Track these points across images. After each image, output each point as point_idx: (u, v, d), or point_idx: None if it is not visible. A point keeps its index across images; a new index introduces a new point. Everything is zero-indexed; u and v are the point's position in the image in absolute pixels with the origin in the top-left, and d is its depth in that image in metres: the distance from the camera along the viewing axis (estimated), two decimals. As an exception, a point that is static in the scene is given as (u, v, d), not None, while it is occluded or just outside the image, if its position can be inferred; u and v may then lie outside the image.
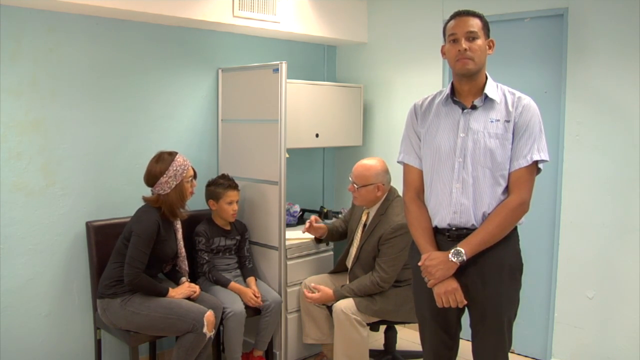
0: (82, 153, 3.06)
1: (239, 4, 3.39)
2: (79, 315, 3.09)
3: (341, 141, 4.04)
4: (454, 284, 2.09)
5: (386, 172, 3.17)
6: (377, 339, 3.62)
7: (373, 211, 3.17)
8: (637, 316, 3.06)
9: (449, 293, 2.09)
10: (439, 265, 2.09)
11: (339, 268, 3.41)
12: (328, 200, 4.47)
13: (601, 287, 3.19)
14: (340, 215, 4.08)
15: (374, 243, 3.08)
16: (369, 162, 3.18)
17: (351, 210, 3.44)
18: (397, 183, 3.31)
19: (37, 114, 2.89)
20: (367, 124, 4.22)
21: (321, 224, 3.40)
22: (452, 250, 2.07)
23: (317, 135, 3.82)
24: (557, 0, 3.24)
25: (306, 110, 3.73)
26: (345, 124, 4.01)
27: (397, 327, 3.44)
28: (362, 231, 3.20)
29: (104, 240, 3.01)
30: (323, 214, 4.04)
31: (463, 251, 2.06)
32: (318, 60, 4.31)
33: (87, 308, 3.09)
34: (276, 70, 3.24)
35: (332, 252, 3.69)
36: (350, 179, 3.19)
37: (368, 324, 3.09)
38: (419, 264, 2.16)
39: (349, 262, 3.26)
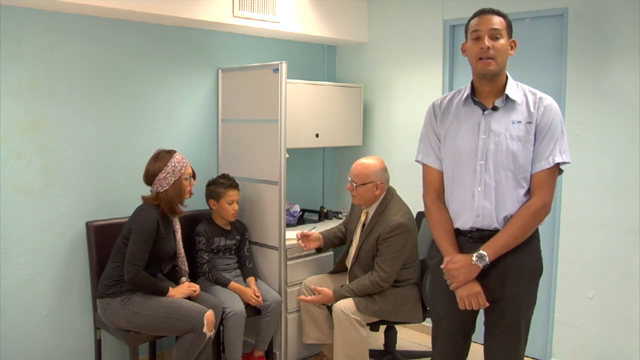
0: (82, 153, 3.07)
1: (239, 4, 3.39)
2: (79, 315, 3.09)
3: (341, 141, 4.04)
4: (476, 287, 2.08)
5: (385, 170, 3.17)
6: (377, 339, 3.62)
7: (372, 211, 3.17)
8: (637, 316, 3.06)
9: (471, 296, 2.08)
10: (461, 269, 2.08)
11: (339, 268, 3.41)
12: (328, 200, 4.47)
13: (601, 287, 3.19)
14: (340, 216, 4.09)
15: (373, 242, 3.08)
16: (367, 161, 3.18)
17: (350, 211, 3.44)
18: (396, 183, 3.32)
19: (37, 114, 2.89)
20: (367, 124, 4.22)
21: (312, 232, 3.39)
22: (476, 254, 2.06)
23: (317, 135, 3.82)
24: (557, 0, 3.24)
25: (306, 110, 3.73)
26: (345, 124, 4.01)
27: (397, 327, 3.44)
28: (361, 231, 3.20)
29: (103, 240, 3.01)
30: (323, 214, 4.04)
31: (486, 255, 2.05)
32: (318, 60, 4.31)
33: (87, 308, 3.09)
34: (276, 70, 3.24)
35: (332, 252, 3.68)
36: (349, 177, 3.19)
37: (368, 324, 3.09)
38: (442, 266, 2.14)
39: (349, 262, 3.26)
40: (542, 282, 3.36)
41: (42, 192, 2.93)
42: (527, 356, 3.51)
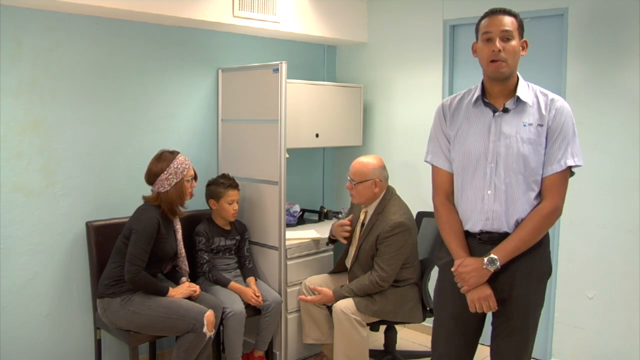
0: (82, 153, 3.07)
1: (239, 4, 3.39)
2: (79, 315, 3.09)
3: (341, 141, 4.04)
4: (487, 291, 2.08)
5: (383, 168, 3.18)
6: (377, 339, 3.62)
7: (371, 210, 3.17)
8: (637, 316, 3.06)
9: (482, 299, 2.08)
10: (472, 272, 2.07)
11: (339, 268, 3.41)
12: (328, 200, 4.47)
13: (601, 287, 3.19)
14: (340, 216, 4.09)
15: (372, 242, 3.08)
16: (366, 159, 3.19)
17: (350, 210, 3.45)
18: (396, 183, 3.32)
19: (37, 114, 2.89)
20: (367, 124, 4.22)
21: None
22: (487, 258, 2.05)
23: (317, 135, 3.82)
24: (557, 0, 3.24)
25: (306, 110, 3.73)
26: (345, 124, 4.01)
27: (397, 327, 3.44)
28: (361, 230, 3.20)
29: (104, 240, 3.01)
30: (323, 214, 4.04)
31: (497, 259, 2.04)
32: (318, 60, 4.31)
33: (87, 308, 3.09)
34: (276, 70, 3.24)
35: (332, 252, 3.69)
36: (348, 177, 3.20)
37: (368, 324, 3.09)
38: (452, 270, 2.14)
39: (348, 262, 3.27)
40: (542, 282, 3.41)
41: (42, 192, 2.93)
42: (527, 356, 3.52)
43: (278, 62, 3.24)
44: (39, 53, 2.88)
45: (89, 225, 3.03)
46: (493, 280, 2.09)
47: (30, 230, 2.90)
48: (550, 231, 3.30)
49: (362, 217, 3.23)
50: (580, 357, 3.29)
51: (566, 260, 3.31)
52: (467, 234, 2.17)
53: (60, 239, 3.01)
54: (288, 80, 3.26)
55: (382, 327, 3.38)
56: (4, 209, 2.81)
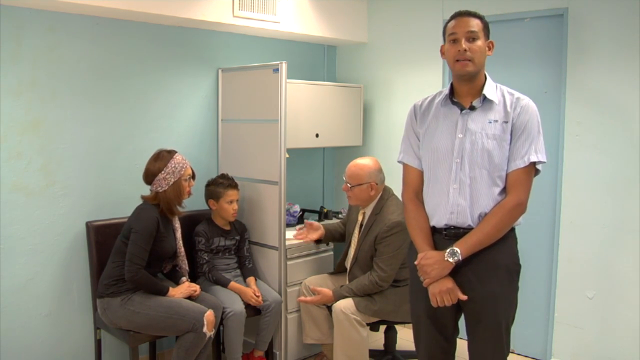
0: (82, 153, 3.07)
1: (239, 4, 3.39)
2: (79, 315, 3.09)
3: (341, 141, 4.04)
4: (448, 284, 2.09)
5: (379, 171, 3.17)
6: (377, 339, 3.62)
7: (369, 211, 3.17)
8: (637, 316, 3.06)
9: (443, 293, 2.09)
10: (434, 265, 2.09)
11: (339, 269, 3.41)
12: (328, 200, 4.47)
13: (601, 287, 3.19)
14: (340, 216, 4.09)
15: (371, 242, 3.08)
16: (362, 162, 3.18)
17: (348, 212, 3.45)
18: (395, 183, 3.32)
19: (37, 114, 2.89)
20: (367, 124, 4.22)
21: (314, 222, 3.42)
22: (448, 250, 2.07)
23: (317, 135, 3.82)
24: (557, 0, 3.24)
25: (306, 110, 3.73)
26: (345, 124, 4.01)
27: (397, 327, 3.44)
28: (359, 232, 3.20)
29: (104, 240, 3.01)
30: (323, 214, 4.04)
31: (459, 251, 2.06)
32: (318, 60, 4.31)
33: (87, 308, 3.09)
34: (276, 70, 3.24)
35: (332, 253, 3.69)
36: (344, 178, 3.20)
37: (368, 324, 3.09)
38: (415, 263, 2.16)
39: (348, 263, 3.27)
40: (542, 282, 3.42)
41: (42, 192, 2.93)
42: (527, 356, 3.53)
43: (278, 62, 3.24)
44: (39, 53, 2.88)
45: (89, 225, 3.03)
46: (459, 276, 2.10)
47: (30, 230, 2.90)
48: (550, 231, 3.36)
49: (360, 218, 3.23)
50: (580, 357, 3.29)
51: (566, 260, 3.31)
52: (434, 230, 2.20)
53: (60, 239, 3.01)
54: (288, 80, 3.26)
55: (382, 327, 3.38)
56: (4, 209, 2.81)
